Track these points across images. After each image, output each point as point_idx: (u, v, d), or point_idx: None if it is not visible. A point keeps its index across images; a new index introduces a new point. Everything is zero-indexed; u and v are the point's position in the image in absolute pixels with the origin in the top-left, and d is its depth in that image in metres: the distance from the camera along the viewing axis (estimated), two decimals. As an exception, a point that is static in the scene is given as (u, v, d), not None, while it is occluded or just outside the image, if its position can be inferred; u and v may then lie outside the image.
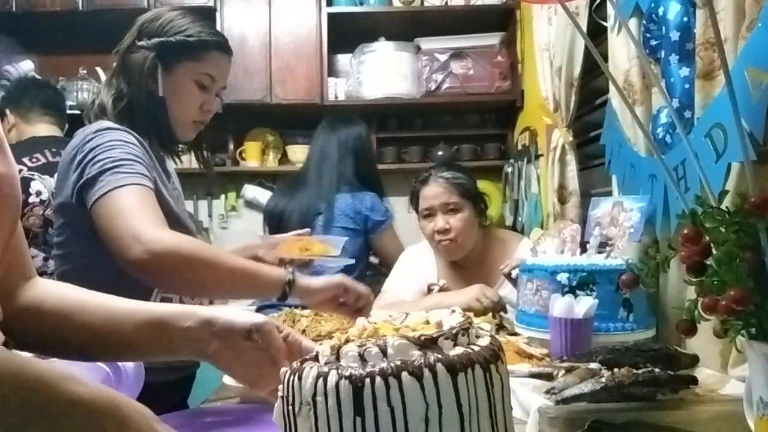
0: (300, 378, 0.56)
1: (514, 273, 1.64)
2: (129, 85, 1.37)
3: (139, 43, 1.37)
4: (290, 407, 0.57)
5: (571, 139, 2.18)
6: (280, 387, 0.59)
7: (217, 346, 0.81)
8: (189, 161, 1.69)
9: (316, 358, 0.59)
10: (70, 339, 0.81)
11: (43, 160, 2.14)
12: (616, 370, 0.97)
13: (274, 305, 2.09)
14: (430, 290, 1.93)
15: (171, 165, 1.54)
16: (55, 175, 1.38)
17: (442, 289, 1.90)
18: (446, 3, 3.34)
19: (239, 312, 0.84)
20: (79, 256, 1.33)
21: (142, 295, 1.32)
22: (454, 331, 0.58)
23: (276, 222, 2.48)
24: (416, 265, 2.10)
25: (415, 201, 2.07)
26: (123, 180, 1.19)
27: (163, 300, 1.34)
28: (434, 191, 2.00)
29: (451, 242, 1.98)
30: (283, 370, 0.60)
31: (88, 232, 1.26)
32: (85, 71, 3.40)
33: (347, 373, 0.53)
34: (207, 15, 2.98)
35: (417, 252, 2.16)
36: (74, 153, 1.27)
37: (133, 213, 1.15)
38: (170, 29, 1.37)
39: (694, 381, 0.99)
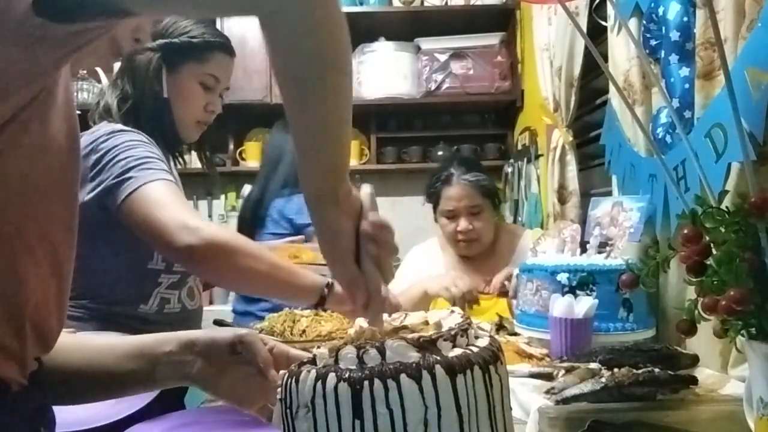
0: (298, 381, 0.56)
1: (508, 286, 1.65)
2: (134, 87, 1.37)
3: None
4: (289, 410, 0.57)
5: (571, 139, 2.18)
6: (279, 390, 0.59)
7: (200, 366, 0.80)
8: (189, 161, 1.69)
9: (313, 362, 0.59)
10: (50, 382, 0.76)
11: None
12: (616, 370, 0.97)
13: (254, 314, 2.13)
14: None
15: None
16: None
17: None
18: (446, 3, 3.34)
19: (219, 329, 0.84)
20: (80, 256, 1.32)
21: (141, 295, 1.33)
22: (452, 333, 0.57)
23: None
24: (423, 264, 2.08)
25: (435, 199, 2.04)
26: (154, 175, 1.20)
27: (163, 300, 1.35)
28: (458, 193, 1.97)
29: (473, 241, 1.99)
30: (281, 372, 0.60)
31: (91, 233, 1.25)
32: (85, 71, 3.39)
33: (346, 376, 0.53)
34: (207, 15, 2.98)
35: (422, 251, 2.14)
36: (85, 154, 1.24)
37: (174, 204, 1.17)
38: (174, 30, 1.38)
39: (694, 381, 0.99)
